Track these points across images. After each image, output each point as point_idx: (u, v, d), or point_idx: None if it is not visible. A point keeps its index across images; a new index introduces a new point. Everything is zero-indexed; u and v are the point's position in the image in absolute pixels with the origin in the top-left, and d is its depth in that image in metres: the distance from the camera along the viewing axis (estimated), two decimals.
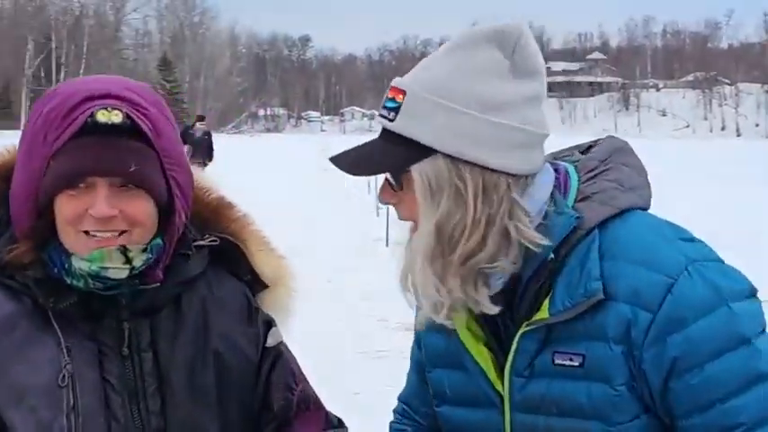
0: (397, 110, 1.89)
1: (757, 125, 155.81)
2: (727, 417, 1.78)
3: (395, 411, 2.42)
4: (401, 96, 1.89)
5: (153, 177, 1.92)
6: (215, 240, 2.13)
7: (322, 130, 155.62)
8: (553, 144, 2.06)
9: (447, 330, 2.02)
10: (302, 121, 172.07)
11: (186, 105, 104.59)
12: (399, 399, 2.37)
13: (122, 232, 1.91)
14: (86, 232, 1.90)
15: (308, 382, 2.20)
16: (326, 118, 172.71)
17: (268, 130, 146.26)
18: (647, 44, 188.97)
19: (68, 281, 1.93)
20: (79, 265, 1.91)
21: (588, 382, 1.86)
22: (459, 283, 1.88)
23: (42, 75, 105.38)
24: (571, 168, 2.01)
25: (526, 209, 1.87)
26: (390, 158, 1.91)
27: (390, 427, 2.39)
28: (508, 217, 1.86)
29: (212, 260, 2.13)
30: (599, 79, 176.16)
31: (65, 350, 1.93)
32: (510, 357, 1.93)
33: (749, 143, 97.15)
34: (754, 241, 15.97)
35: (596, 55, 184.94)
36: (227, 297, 2.14)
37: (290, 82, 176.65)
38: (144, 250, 1.94)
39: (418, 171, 1.86)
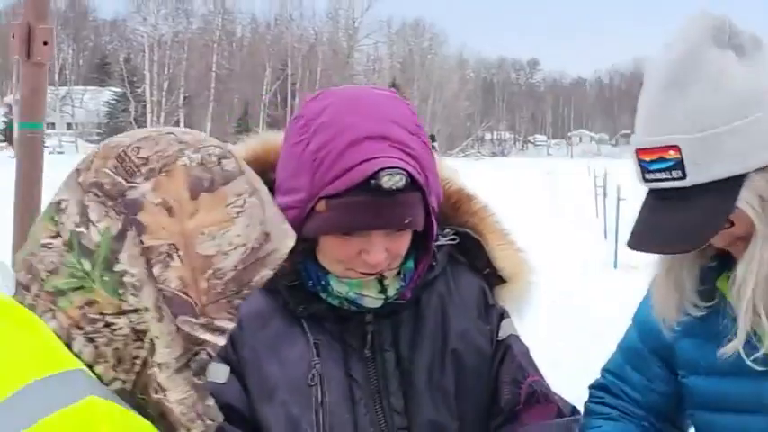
0: (678, 167, 1.80)
1: None
2: None
3: (592, 387, 2.34)
4: (672, 152, 1.80)
5: (420, 220, 1.95)
6: (454, 238, 2.15)
7: (548, 154, 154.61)
8: None
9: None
10: (528, 144, 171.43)
11: None
12: (607, 369, 2.31)
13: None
14: (353, 269, 1.96)
15: (540, 376, 2.17)
16: (553, 142, 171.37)
17: (494, 154, 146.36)
18: None
19: (324, 296, 2.00)
20: (338, 287, 1.98)
21: None
22: None
23: (278, 100, 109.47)
24: None
25: None
26: (715, 212, 1.82)
27: (587, 409, 2.30)
28: None
29: (452, 254, 2.16)
30: None
31: (314, 348, 2.01)
32: None
33: None
34: None
35: None
36: (464, 293, 2.15)
37: (518, 105, 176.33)
38: (397, 274, 2.01)
39: (744, 201, 1.81)
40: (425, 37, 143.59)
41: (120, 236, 1.39)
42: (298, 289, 2.03)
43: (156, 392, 1.43)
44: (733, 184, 1.81)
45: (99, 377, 1.38)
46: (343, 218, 1.90)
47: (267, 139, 2.15)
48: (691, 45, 1.82)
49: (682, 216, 1.84)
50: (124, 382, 1.41)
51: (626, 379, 2.24)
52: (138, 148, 1.44)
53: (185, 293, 1.41)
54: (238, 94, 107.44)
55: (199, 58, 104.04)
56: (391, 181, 1.84)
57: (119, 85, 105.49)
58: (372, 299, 2.00)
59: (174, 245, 1.41)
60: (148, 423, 1.36)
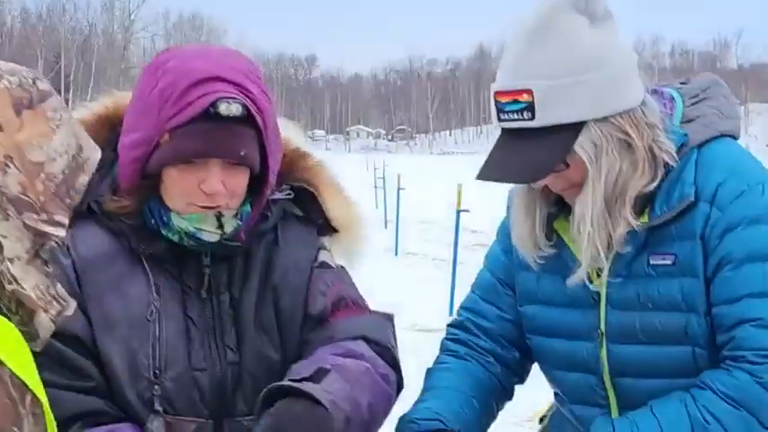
0: (529, 108, 2.06)
1: None
2: (749, 311, 2.04)
3: (450, 326, 2.56)
4: (525, 95, 2.06)
5: (255, 157, 2.13)
6: (290, 193, 2.32)
7: (327, 149, 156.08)
8: None
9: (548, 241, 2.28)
10: (308, 140, 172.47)
11: None
12: (463, 307, 2.53)
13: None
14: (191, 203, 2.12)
15: (349, 288, 2.34)
16: (332, 137, 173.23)
17: None
18: (656, 64, 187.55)
19: (164, 233, 2.15)
20: (178, 222, 2.14)
21: (681, 278, 2.10)
22: (628, 215, 2.10)
23: None
24: (675, 93, 2.27)
25: (660, 127, 2.13)
26: (554, 151, 2.08)
27: (442, 345, 2.52)
28: (652, 140, 2.12)
29: (285, 208, 2.33)
30: None
31: (154, 287, 2.17)
32: (609, 260, 2.15)
33: None
34: None
35: None
36: (291, 242, 2.31)
37: (296, 101, 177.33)
38: (235, 215, 2.17)
39: (580, 146, 2.07)
40: (203, 30, 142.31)
41: None
42: (140, 229, 2.16)
43: (10, 283, 1.62)
44: (573, 130, 2.07)
45: None
46: (183, 146, 2.07)
47: (120, 97, 2.30)
48: (552, 6, 2.08)
49: (526, 153, 2.09)
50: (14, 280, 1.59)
51: (480, 312, 2.47)
52: None
53: (26, 195, 1.59)
54: None
55: None
56: (228, 109, 2.04)
57: None
58: (210, 233, 2.14)
59: (8, 155, 1.58)
60: None
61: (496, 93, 2.11)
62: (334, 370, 2.09)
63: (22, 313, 1.65)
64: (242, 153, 2.09)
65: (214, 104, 2.04)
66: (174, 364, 2.15)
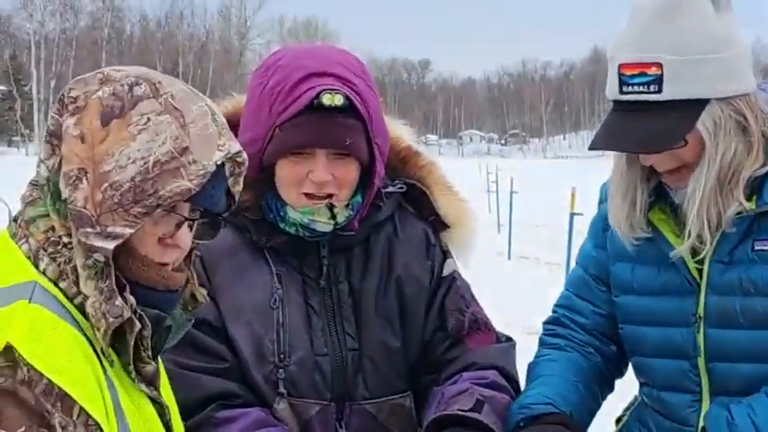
0: (656, 81, 2.12)
1: None
2: None
3: (545, 323, 2.61)
4: (654, 68, 2.12)
5: (361, 147, 2.24)
6: (402, 187, 2.45)
7: (440, 153, 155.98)
8: None
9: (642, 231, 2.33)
10: (421, 144, 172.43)
11: None
12: (558, 305, 2.62)
13: (332, 193, 2.26)
14: (304, 194, 2.25)
15: (479, 308, 2.49)
16: (444, 141, 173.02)
17: None
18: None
19: (282, 226, 2.30)
20: (293, 215, 2.27)
21: None
22: (741, 196, 2.16)
23: None
24: None
25: None
26: (678, 125, 2.14)
27: (541, 341, 2.58)
28: (765, 126, 2.19)
29: (403, 199, 2.47)
30: None
31: (275, 277, 2.32)
32: (713, 246, 2.21)
33: None
34: None
35: None
36: (409, 234, 2.45)
37: (410, 105, 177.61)
38: (346, 206, 2.30)
39: (702, 123, 2.14)
40: (317, 36, 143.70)
41: (58, 168, 1.67)
42: (260, 223, 2.32)
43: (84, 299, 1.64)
44: (697, 106, 2.13)
45: (63, 291, 1.65)
46: (290, 138, 2.20)
47: (238, 100, 2.44)
48: None
49: (648, 125, 2.14)
50: (85, 296, 1.64)
51: (574, 308, 2.56)
52: (71, 89, 1.68)
53: (85, 208, 1.60)
54: None
55: (87, 55, 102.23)
56: (331, 99, 2.15)
57: (4, 83, 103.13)
58: (323, 224, 2.27)
59: (83, 169, 1.61)
60: (63, 322, 1.58)
61: (622, 65, 2.16)
62: (487, 402, 2.23)
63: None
64: (347, 143, 2.20)
65: (318, 96, 2.15)
66: (297, 349, 2.28)
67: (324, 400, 2.30)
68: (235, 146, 1.71)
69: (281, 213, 2.30)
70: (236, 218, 2.29)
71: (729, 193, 2.17)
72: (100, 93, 1.64)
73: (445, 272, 2.47)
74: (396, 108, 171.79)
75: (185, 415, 2.05)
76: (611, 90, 2.20)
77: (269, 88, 2.24)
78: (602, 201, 2.52)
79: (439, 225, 2.50)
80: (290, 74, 2.21)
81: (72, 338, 1.57)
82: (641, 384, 2.50)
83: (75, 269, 1.64)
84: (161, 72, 1.73)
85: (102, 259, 1.61)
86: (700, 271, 2.26)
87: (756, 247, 2.18)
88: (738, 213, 2.18)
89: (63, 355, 1.53)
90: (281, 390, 2.26)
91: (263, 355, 2.27)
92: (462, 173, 24.58)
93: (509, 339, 2.51)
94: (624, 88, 2.16)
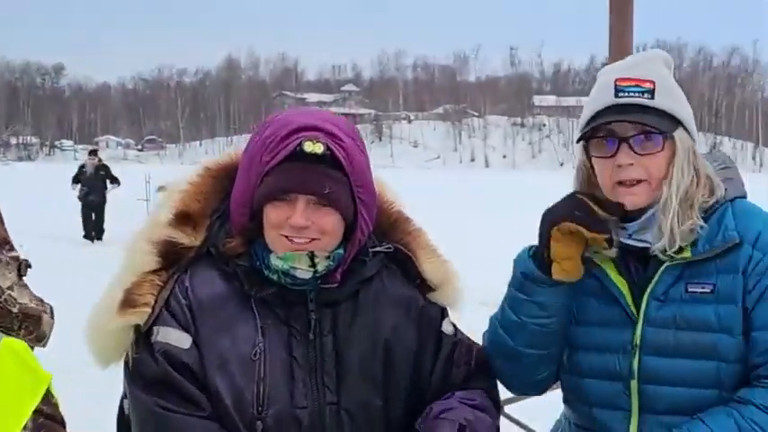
0: (650, 92, 2.49)
1: (504, 156, 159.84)
2: None
3: None
4: (648, 84, 2.49)
5: (342, 198, 2.35)
6: (390, 248, 2.55)
7: (75, 159, 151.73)
8: None
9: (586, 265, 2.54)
10: (55, 149, 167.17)
11: None
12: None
13: (313, 239, 2.35)
14: (285, 236, 2.34)
15: (479, 352, 2.63)
16: (80, 147, 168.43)
17: (20, 159, 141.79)
18: (399, 77, 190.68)
19: (266, 273, 2.36)
20: (275, 262, 2.34)
21: (717, 304, 2.45)
22: (695, 217, 2.48)
23: None
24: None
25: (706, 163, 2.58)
26: (665, 125, 2.48)
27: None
28: (702, 167, 2.53)
29: (388, 262, 2.54)
30: (353, 111, 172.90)
31: (260, 330, 2.36)
32: (651, 285, 2.50)
33: (496, 175, 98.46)
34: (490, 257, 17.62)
35: (350, 87, 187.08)
36: (397, 294, 2.52)
37: (43, 110, 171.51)
38: (327, 257, 2.37)
39: (678, 136, 2.50)
40: None
41: None
42: (250, 272, 2.37)
43: (14, 306, 2.50)
44: (675, 124, 2.50)
45: None
46: (275, 183, 2.31)
47: (239, 153, 2.55)
48: (662, 58, 2.62)
49: (642, 116, 2.47)
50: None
51: None
52: None
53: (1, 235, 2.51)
54: None
55: None
56: (312, 147, 2.29)
57: None
58: (303, 270, 2.33)
59: None
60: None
61: (618, 79, 2.51)
62: (468, 427, 2.36)
63: (29, 324, 2.50)
64: (326, 191, 2.31)
65: (300, 144, 2.30)
66: (275, 402, 2.32)
67: None
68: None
69: (266, 261, 2.35)
70: (227, 265, 2.40)
71: (688, 210, 2.47)
72: None
73: (447, 330, 2.57)
74: (29, 113, 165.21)
75: None
76: (604, 98, 2.51)
77: (261, 140, 2.36)
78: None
79: (425, 288, 2.56)
80: (281, 127, 2.33)
81: None
82: (569, 403, 2.70)
83: None
84: None
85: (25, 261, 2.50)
86: (636, 306, 2.52)
87: (689, 290, 2.47)
88: (674, 260, 2.48)
89: None
90: None
91: (242, 407, 2.31)
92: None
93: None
94: (620, 94, 2.49)
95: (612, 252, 2.50)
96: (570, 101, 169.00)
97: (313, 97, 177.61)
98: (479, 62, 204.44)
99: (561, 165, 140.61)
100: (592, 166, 2.56)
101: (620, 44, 4.80)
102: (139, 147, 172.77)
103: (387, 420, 2.44)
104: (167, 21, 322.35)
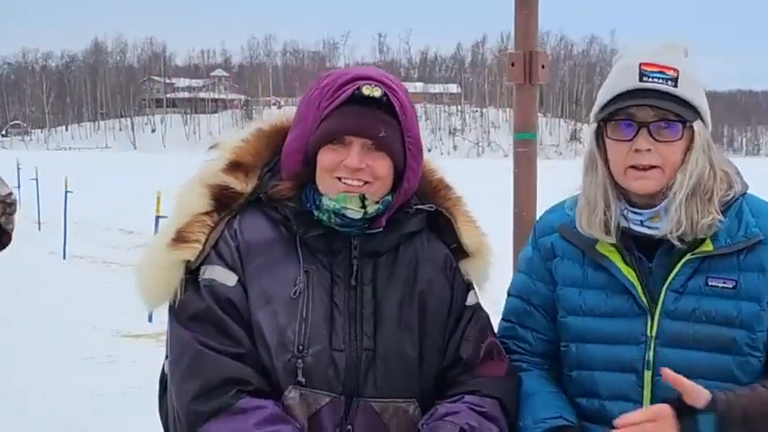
0: (673, 80, 2.45)
1: None
2: None
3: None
4: (672, 71, 2.46)
5: (395, 144, 2.42)
6: (432, 206, 2.60)
7: None
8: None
9: (590, 258, 2.58)
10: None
11: None
12: (502, 335, 2.76)
13: (365, 183, 2.43)
14: (338, 178, 2.42)
15: (495, 338, 2.65)
16: None
17: None
18: (269, 62, 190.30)
19: (316, 214, 2.43)
20: (327, 203, 2.41)
21: (738, 300, 2.45)
22: (714, 210, 2.47)
23: None
24: None
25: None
26: (687, 113, 2.46)
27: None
28: (718, 161, 2.53)
29: (428, 226, 2.61)
30: (222, 96, 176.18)
31: (302, 273, 2.42)
32: (671, 276, 2.48)
33: None
34: None
35: (219, 72, 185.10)
36: (434, 253, 2.59)
37: None
38: (376, 202, 2.44)
39: (697, 127, 2.46)
40: None
41: None
42: (300, 214, 2.44)
43: None
44: (695, 115, 2.47)
45: None
46: (331, 126, 2.39)
47: (292, 113, 2.59)
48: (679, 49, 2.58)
49: (665, 102, 2.45)
50: None
51: (518, 336, 2.74)
52: None
53: None
54: None
55: None
56: (370, 91, 2.36)
57: None
58: (354, 211, 2.39)
59: None
60: None
61: (643, 63, 2.47)
62: None
63: None
64: (381, 134, 2.37)
65: (359, 89, 2.37)
66: (315, 342, 2.37)
67: (335, 393, 2.39)
68: (4, 189, 2.25)
69: (317, 202, 2.41)
70: (276, 211, 2.47)
71: (706, 204, 2.45)
72: None
73: (470, 302, 2.60)
74: None
75: (203, 393, 2.31)
76: (627, 82, 2.48)
77: (320, 89, 2.44)
78: (541, 236, 2.72)
79: (459, 253, 2.62)
80: (340, 77, 2.43)
81: None
82: (577, 399, 2.62)
83: None
84: None
85: None
86: (646, 296, 2.49)
87: (710, 283, 2.45)
88: (694, 254, 2.47)
89: None
90: (300, 378, 2.36)
91: (284, 344, 2.36)
92: None
93: (518, 370, 2.65)
94: (644, 78, 2.45)
95: (613, 238, 2.53)
96: (437, 88, 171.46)
97: (182, 82, 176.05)
98: (348, 49, 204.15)
99: (429, 150, 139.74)
100: (602, 149, 2.56)
101: (525, 30, 4.75)
102: (3, 132, 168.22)
103: (420, 375, 2.50)
104: (30, 1, 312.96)
